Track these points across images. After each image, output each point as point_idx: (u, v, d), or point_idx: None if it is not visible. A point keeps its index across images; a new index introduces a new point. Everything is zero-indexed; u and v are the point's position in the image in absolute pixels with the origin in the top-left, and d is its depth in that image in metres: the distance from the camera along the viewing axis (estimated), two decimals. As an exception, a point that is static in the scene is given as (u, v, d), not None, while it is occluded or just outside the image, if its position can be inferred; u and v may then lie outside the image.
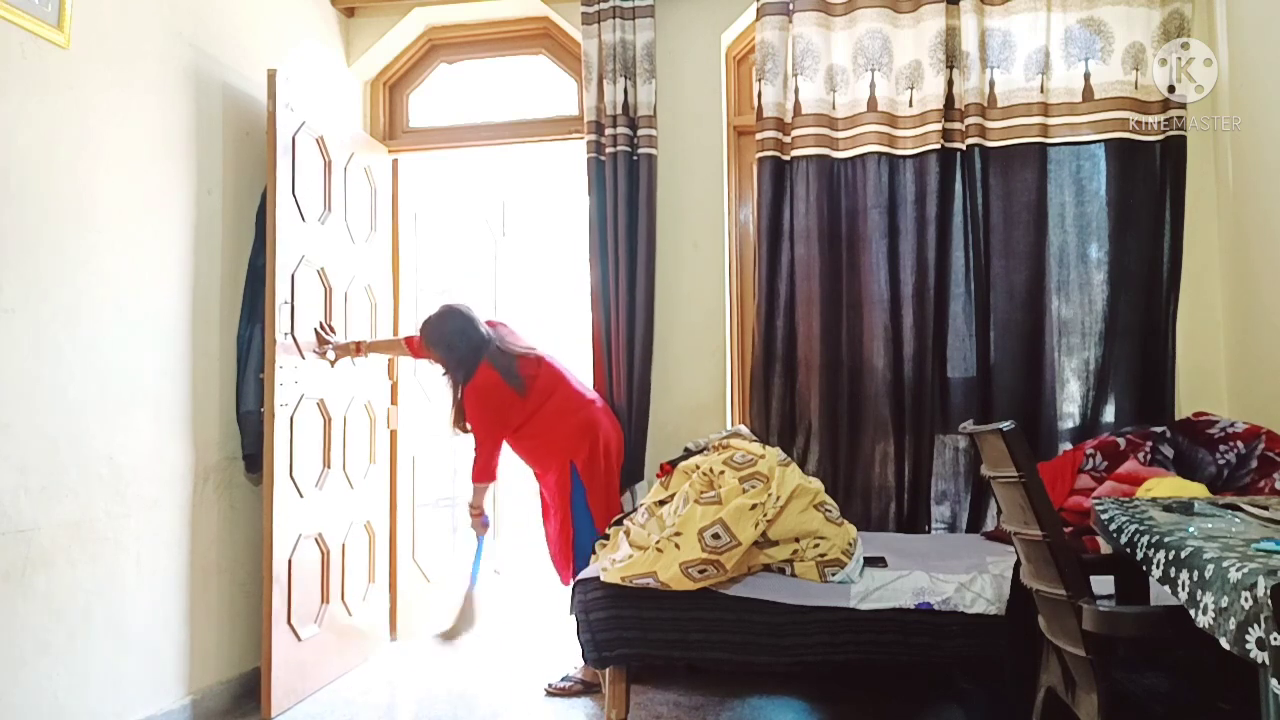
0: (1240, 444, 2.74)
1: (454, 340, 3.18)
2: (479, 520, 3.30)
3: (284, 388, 3.04)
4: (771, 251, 3.42)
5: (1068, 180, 3.32)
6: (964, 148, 3.30)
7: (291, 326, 3.11)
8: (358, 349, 3.39)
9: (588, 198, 3.55)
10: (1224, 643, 1.18)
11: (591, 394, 3.34)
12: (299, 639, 3.09)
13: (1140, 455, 2.82)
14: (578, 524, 3.16)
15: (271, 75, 3.04)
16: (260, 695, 2.94)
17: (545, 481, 3.27)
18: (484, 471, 3.22)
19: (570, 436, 3.18)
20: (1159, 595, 1.84)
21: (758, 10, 3.46)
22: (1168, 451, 2.86)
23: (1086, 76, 3.29)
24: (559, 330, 5.29)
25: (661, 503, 2.77)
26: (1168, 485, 2.45)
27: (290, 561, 3.05)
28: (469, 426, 3.22)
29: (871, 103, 3.38)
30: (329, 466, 3.31)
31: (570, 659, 3.27)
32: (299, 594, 3.10)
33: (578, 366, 3.45)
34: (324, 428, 3.30)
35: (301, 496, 3.13)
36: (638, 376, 3.43)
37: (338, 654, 3.32)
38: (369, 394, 3.62)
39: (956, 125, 3.30)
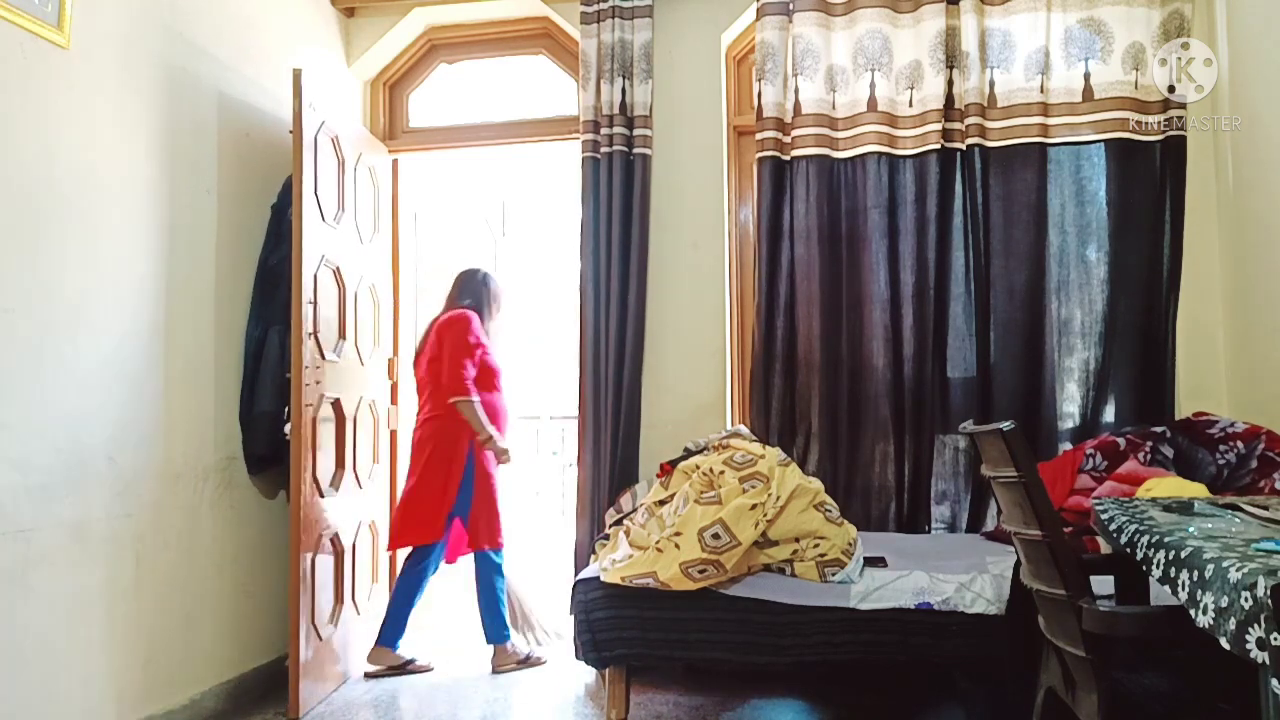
0: (1240, 444, 2.73)
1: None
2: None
3: (308, 388, 3.05)
4: (771, 251, 3.41)
5: (1068, 180, 3.32)
6: (964, 148, 3.30)
7: (314, 326, 3.11)
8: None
9: (581, 197, 3.54)
10: (1224, 643, 1.18)
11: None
12: (321, 638, 3.11)
13: (1140, 455, 2.82)
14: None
15: (297, 74, 3.05)
16: (288, 696, 2.94)
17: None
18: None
19: None
20: (1159, 595, 1.84)
21: (758, 10, 3.46)
22: (1168, 451, 2.86)
23: (1086, 76, 3.28)
24: (559, 330, 5.28)
25: (661, 503, 2.78)
26: (1168, 485, 2.45)
27: (313, 562, 3.06)
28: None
29: (871, 103, 3.38)
30: (342, 467, 3.31)
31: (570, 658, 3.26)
32: (320, 594, 3.11)
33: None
34: (337, 428, 3.30)
35: (323, 496, 3.15)
36: (628, 377, 3.42)
37: (350, 653, 3.32)
38: (373, 394, 3.62)
39: (956, 125, 3.30)
